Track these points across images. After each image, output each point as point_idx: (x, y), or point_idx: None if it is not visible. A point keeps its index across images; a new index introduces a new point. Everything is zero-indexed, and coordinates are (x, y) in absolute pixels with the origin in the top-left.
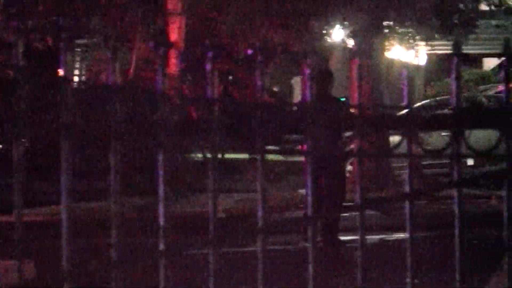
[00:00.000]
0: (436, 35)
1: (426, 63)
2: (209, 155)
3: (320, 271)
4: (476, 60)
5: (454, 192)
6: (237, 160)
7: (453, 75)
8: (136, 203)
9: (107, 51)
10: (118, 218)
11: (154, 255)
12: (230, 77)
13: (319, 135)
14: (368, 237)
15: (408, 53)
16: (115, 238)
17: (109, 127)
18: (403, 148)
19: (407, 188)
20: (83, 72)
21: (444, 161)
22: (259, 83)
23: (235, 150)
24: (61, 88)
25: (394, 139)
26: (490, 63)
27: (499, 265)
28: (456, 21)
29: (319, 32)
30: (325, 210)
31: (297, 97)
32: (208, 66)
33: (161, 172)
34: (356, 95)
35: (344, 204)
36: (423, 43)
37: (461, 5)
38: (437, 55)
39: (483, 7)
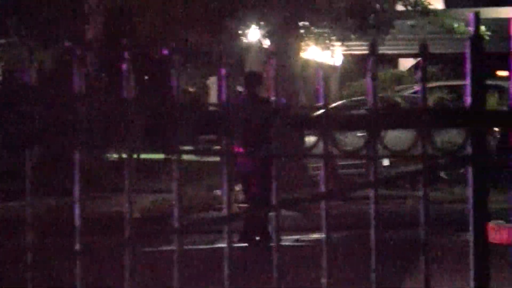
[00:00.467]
0: (352, 36)
1: (342, 63)
2: (125, 155)
3: (241, 271)
4: (392, 61)
5: (370, 193)
6: (153, 160)
7: (369, 76)
8: (51, 203)
9: (23, 51)
10: (33, 219)
11: (70, 255)
12: (146, 77)
13: (247, 135)
14: (284, 237)
15: (324, 53)
16: (30, 239)
17: (24, 127)
18: (319, 149)
19: (323, 188)
20: None
21: (360, 161)
22: (175, 83)
23: (151, 151)
24: None
25: (310, 139)
26: (406, 64)
27: (414, 265)
28: (372, 22)
29: (235, 32)
30: (255, 210)
31: (213, 97)
32: (125, 66)
33: (76, 172)
34: (272, 95)
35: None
36: (338, 43)
37: (377, 6)
38: (353, 56)
39: (399, 7)
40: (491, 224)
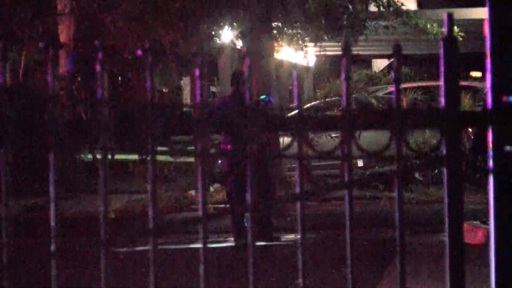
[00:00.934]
0: (325, 36)
1: (316, 64)
2: (99, 156)
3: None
4: (365, 61)
5: (345, 193)
6: (126, 161)
7: (343, 76)
8: (25, 203)
9: None
10: (7, 219)
11: (45, 256)
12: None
13: (233, 134)
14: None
15: (297, 54)
16: (5, 239)
17: None
18: (293, 149)
19: (297, 189)
20: None
21: (334, 162)
22: (148, 83)
23: (125, 151)
24: None
25: (284, 140)
26: (379, 64)
27: (389, 266)
28: (345, 22)
29: (208, 33)
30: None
31: (186, 97)
32: (98, 67)
33: (51, 173)
34: (246, 96)
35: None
36: (312, 44)
37: (350, 6)
38: (327, 56)
39: (372, 8)
40: (467, 225)
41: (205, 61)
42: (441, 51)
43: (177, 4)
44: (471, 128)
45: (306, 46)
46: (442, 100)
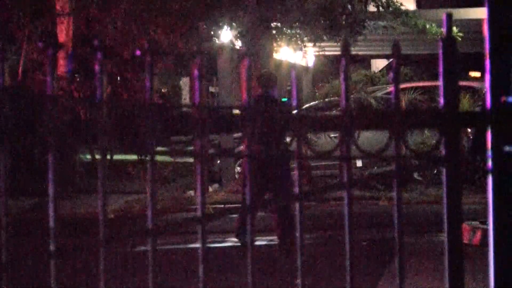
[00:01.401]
0: (324, 36)
1: (314, 64)
2: (98, 156)
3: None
4: (364, 61)
5: (344, 194)
6: (126, 161)
7: (342, 77)
8: (24, 204)
9: None
10: (5, 219)
11: (44, 256)
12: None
13: (260, 136)
14: (257, 238)
15: (296, 54)
16: (3, 239)
17: None
18: (292, 149)
19: (296, 189)
20: None
21: (333, 162)
22: (148, 84)
23: (124, 152)
24: None
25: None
26: (378, 64)
27: (389, 266)
28: (344, 22)
29: (207, 33)
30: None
31: (185, 97)
32: (97, 67)
33: (50, 174)
34: (245, 96)
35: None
36: (311, 44)
37: (349, 7)
38: (326, 56)
39: (371, 8)
40: (466, 225)
41: (204, 61)
42: (440, 51)
43: (177, 5)
44: (470, 128)
45: (305, 46)
46: (441, 100)
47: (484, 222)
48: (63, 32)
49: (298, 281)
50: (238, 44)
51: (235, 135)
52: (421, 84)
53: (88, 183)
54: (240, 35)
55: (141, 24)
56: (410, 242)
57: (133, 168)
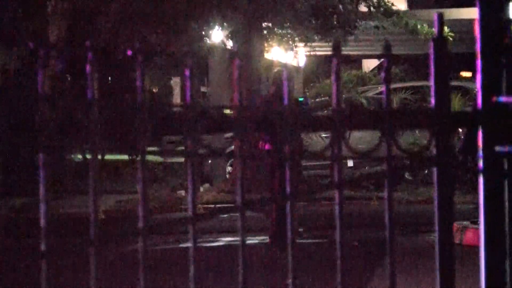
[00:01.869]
0: (315, 37)
1: (306, 64)
2: (89, 156)
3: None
4: (356, 62)
5: (335, 194)
6: (117, 161)
7: (333, 77)
8: (15, 203)
9: None
10: None
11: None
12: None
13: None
14: (248, 238)
15: (288, 54)
16: None
17: None
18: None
19: (288, 189)
20: None
21: (324, 162)
22: (139, 83)
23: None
24: None
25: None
26: (369, 65)
27: (379, 266)
28: (335, 23)
29: (198, 33)
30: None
31: (176, 97)
32: (88, 67)
33: (42, 173)
34: (236, 96)
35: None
36: (302, 44)
37: (340, 7)
38: (317, 56)
39: (362, 8)
40: (457, 225)
41: (195, 61)
42: (431, 51)
43: (168, 5)
44: (461, 128)
45: (296, 46)
46: (432, 100)
47: (475, 222)
48: (55, 32)
49: (289, 281)
50: (229, 44)
51: (226, 135)
52: (412, 84)
53: (78, 183)
54: (231, 35)
55: (133, 24)
56: (402, 242)
57: (124, 168)
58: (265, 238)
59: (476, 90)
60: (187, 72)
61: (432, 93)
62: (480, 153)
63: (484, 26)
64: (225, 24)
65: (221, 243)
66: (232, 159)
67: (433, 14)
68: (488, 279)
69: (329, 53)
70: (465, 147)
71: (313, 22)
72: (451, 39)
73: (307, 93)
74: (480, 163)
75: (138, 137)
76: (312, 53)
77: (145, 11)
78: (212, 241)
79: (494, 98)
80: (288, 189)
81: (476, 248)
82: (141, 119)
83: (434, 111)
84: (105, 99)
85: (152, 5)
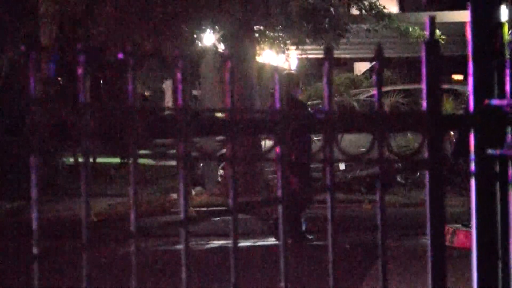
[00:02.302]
0: (307, 40)
1: (297, 67)
2: (81, 160)
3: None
4: (347, 64)
5: (327, 196)
6: (109, 164)
7: (325, 80)
8: (6, 207)
9: None
10: None
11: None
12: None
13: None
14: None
15: (279, 57)
16: None
17: None
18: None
19: (279, 192)
20: None
21: (316, 165)
22: (130, 87)
23: (107, 155)
24: None
25: (267, 143)
26: (361, 67)
27: (371, 269)
28: (327, 26)
29: (190, 36)
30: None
31: (168, 100)
32: (80, 70)
33: (33, 176)
34: (228, 99)
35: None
36: (294, 47)
37: (332, 10)
38: (308, 59)
39: (354, 11)
40: (448, 228)
41: (187, 64)
42: (423, 54)
43: (159, 8)
44: (453, 131)
45: (288, 49)
46: (424, 103)
47: (467, 225)
48: (46, 35)
49: (282, 284)
50: (221, 47)
51: (218, 138)
52: (404, 87)
53: (70, 186)
54: (223, 38)
55: (124, 27)
56: (393, 244)
57: (116, 171)
58: (256, 241)
59: (467, 93)
60: (179, 75)
61: (424, 96)
62: (472, 156)
63: (476, 29)
64: (216, 27)
65: (214, 246)
66: (224, 162)
67: (425, 17)
68: (480, 282)
69: (321, 56)
70: (457, 150)
71: (305, 25)
72: (442, 42)
73: (299, 97)
74: (472, 166)
75: (130, 141)
76: (303, 56)
77: (136, 14)
78: (205, 244)
79: (486, 101)
80: (280, 192)
81: (468, 250)
82: (133, 122)
83: (426, 114)
84: (97, 102)
85: (143, 8)
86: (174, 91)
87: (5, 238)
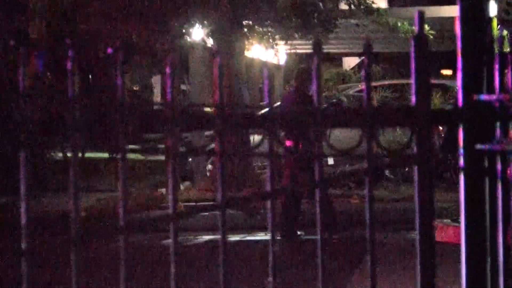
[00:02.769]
0: (295, 35)
1: (286, 62)
2: (70, 154)
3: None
4: (336, 59)
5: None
6: (97, 159)
7: (314, 75)
8: None
9: None
10: None
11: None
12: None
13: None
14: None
15: (268, 52)
16: None
17: None
18: (264, 147)
19: (268, 187)
20: None
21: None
22: (119, 81)
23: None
24: None
25: (255, 138)
26: (350, 62)
27: (360, 264)
28: (315, 21)
29: (179, 31)
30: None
31: (157, 95)
32: (69, 65)
33: (22, 171)
34: (216, 94)
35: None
36: (282, 42)
37: (320, 5)
38: (297, 54)
39: (343, 6)
40: (437, 223)
41: (176, 59)
42: (412, 49)
43: (148, 2)
44: (442, 126)
45: (276, 44)
46: (413, 98)
47: (456, 220)
48: (35, 30)
49: (270, 278)
50: (210, 42)
51: (206, 133)
52: (393, 82)
53: (59, 181)
54: (212, 33)
55: (113, 22)
56: (382, 239)
57: (105, 165)
58: (245, 236)
59: (456, 88)
60: (168, 70)
61: (413, 91)
62: (461, 151)
63: (465, 24)
64: (205, 22)
65: (202, 241)
66: (213, 157)
67: (414, 12)
68: (469, 277)
69: (310, 51)
70: (445, 145)
71: (294, 20)
72: (431, 37)
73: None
74: (461, 161)
75: (119, 135)
76: (292, 51)
77: (125, 8)
78: (194, 239)
79: (475, 96)
80: (269, 187)
81: (456, 245)
82: (122, 117)
83: (415, 109)
84: (86, 97)
85: (132, 2)
86: (163, 86)
87: None
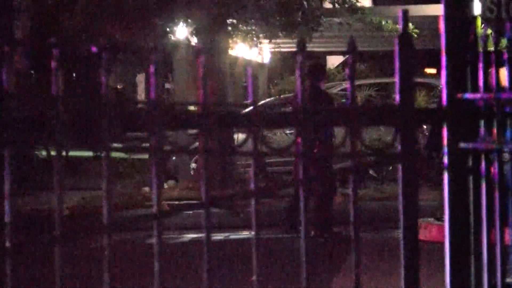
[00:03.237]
0: (279, 33)
1: (270, 61)
2: (53, 153)
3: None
4: (320, 58)
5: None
6: (81, 157)
7: (298, 73)
8: None
9: None
10: None
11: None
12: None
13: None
14: (213, 235)
15: (252, 51)
16: None
17: None
18: (248, 146)
19: (252, 186)
20: None
21: (288, 159)
22: (103, 80)
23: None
24: None
25: (239, 137)
26: (334, 61)
27: (345, 262)
28: (300, 19)
29: (163, 30)
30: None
31: (141, 94)
32: (53, 64)
33: (6, 169)
34: (200, 92)
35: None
36: (266, 41)
37: (304, 3)
38: (281, 53)
39: (327, 5)
40: (421, 222)
41: (160, 57)
42: (396, 47)
43: (132, 0)
44: (426, 125)
45: (260, 42)
46: (397, 96)
47: (440, 219)
48: (20, 29)
49: (254, 277)
50: (194, 40)
51: (190, 131)
52: (377, 80)
53: (43, 180)
54: (196, 32)
55: (98, 20)
56: (366, 238)
57: (89, 164)
58: (229, 234)
59: (440, 86)
60: (152, 69)
61: (397, 89)
62: (445, 149)
63: (449, 23)
64: (189, 20)
65: (186, 239)
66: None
67: (398, 10)
68: (453, 275)
69: (294, 49)
70: (430, 143)
71: (278, 18)
72: (415, 35)
73: (272, 90)
74: (445, 160)
75: (102, 134)
76: (276, 49)
77: (109, 7)
78: (178, 238)
79: (459, 95)
80: (253, 185)
81: (440, 244)
82: (105, 115)
83: (399, 107)
84: (70, 96)
85: (116, 1)
86: (147, 85)
87: None
